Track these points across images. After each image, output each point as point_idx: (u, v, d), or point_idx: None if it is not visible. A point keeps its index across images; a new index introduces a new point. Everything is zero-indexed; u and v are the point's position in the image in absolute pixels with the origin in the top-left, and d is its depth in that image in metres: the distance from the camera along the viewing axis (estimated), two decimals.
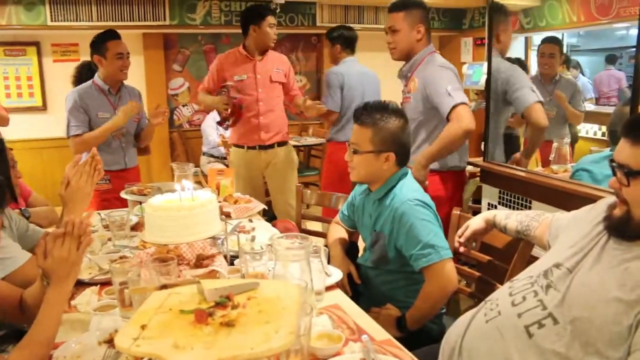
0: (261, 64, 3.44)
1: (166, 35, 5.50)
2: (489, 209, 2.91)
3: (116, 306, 1.52)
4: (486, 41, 3.11)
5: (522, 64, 3.67)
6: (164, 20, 5.21)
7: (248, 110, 3.40)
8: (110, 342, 1.32)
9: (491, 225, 1.81)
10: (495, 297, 1.37)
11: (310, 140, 5.61)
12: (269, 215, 3.64)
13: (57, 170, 5.00)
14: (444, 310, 1.96)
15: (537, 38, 4.95)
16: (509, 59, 3.06)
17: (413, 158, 2.79)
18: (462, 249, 1.84)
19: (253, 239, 2.06)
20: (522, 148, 3.35)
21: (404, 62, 2.71)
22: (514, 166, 2.86)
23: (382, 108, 1.86)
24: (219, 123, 3.77)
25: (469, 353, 1.31)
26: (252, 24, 3.33)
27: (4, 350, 1.51)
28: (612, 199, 1.29)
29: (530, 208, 2.60)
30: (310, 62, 6.46)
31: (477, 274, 1.98)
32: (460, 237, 1.84)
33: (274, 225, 2.46)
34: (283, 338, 0.98)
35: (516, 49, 5.43)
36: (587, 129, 3.98)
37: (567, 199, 2.30)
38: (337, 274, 1.79)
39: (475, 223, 1.82)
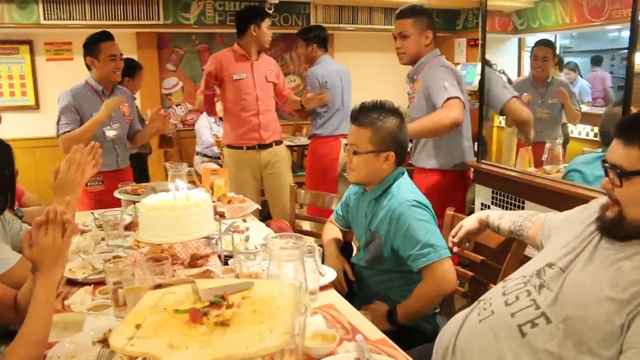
0: (257, 64, 3.46)
1: (160, 35, 5.47)
2: (482, 209, 2.92)
3: (110, 306, 1.51)
4: (480, 42, 3.13)
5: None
6: (158, 19, 5.19)
7: (247, 110, 3.42)
8: (104, 341, 1.31)
9: (484, 226, 1.82)
10: (489, 297, 1.38)
11: (303, 140, 5.58)
12: (264, 215, 3.64)
13: (49, 169, 4.94)
14: (437, 310, 1.96)
15: (530, 39, 4.99)
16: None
17: (418, 157, 2.82)
18: (455, 249, 1.84)
19: (247, 238, 2.06)
20: (516, 149, 3.38)
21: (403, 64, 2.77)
22: (506, 166, 2.87)
23: (379, 108, 1.86)
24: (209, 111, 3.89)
25: (462, 352, 1.32)
26: (253, 23, 3.35)
27: None
28: (604, 199, 1.29)
29: (523, 208, 2.61)
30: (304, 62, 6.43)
31: (471, 273, 1.99)
32: (453, 237, 1.85)
33: (268, 225, 2.46)
34: (277, 338, 0.98)
35: (509, 50, 5.47)
36: (579, 130, 4.01)
37: (559, 200, 2.32)
38: (331, 274, 1.80)
39: (469, 223, 1.83)
